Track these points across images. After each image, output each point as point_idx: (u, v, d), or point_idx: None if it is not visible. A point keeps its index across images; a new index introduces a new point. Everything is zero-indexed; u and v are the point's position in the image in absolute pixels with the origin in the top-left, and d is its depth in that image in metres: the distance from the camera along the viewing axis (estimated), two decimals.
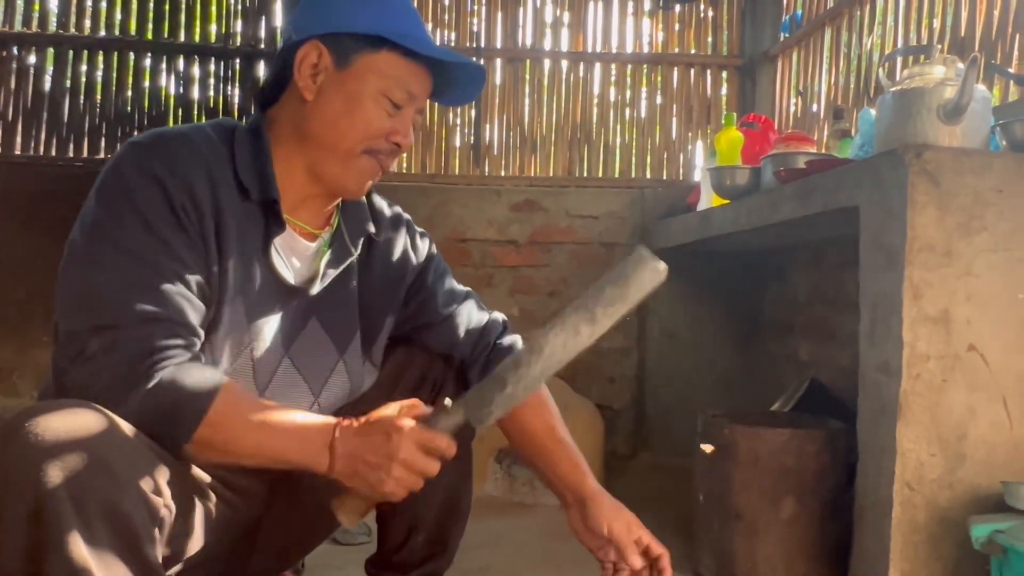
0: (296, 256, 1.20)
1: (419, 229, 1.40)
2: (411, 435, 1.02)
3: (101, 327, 0.98)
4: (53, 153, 3.54)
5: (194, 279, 1.05)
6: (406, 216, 1.39)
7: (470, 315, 1.38)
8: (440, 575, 1.40)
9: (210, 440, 0.98)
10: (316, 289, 1.20)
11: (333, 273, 1.22)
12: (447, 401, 1.08)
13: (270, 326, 1.16)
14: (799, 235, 2.44)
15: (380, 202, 1.34)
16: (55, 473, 0.83)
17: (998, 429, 1.58)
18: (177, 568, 1.06)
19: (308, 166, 1.16)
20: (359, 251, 1.26)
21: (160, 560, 0.91)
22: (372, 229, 1.28)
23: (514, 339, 1.41)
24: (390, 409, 1.06)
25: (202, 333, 1.06)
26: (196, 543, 1.07)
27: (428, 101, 1.24)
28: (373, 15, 1.13)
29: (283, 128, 1.17)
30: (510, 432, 1.36)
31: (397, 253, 1.33)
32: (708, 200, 2.74)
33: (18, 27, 3.55)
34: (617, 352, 3.42)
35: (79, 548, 0.82)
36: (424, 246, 1.38)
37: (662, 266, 1.07)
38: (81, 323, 0.99)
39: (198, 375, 1.00)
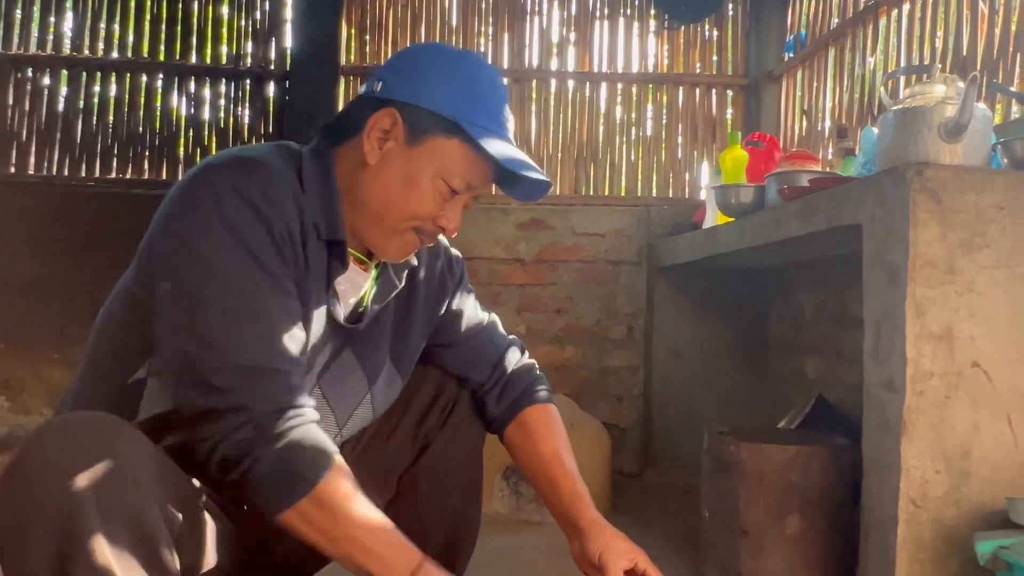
0: (353, 289, 1.20)
1: (454, 252, 1.39)
2: None
3: (221, 377, 0.96)
4: (66, 173, 3.58)
5: (298, 310, 1.05)
6: (444, 241, 1.37)
7: (491, 340, 1.39)
8: None
9: (310, 515, 0.97)
10: (364, 324, 1.20)
11: (378, 308, 1.22)
12: None
13: (313, 354, 1.16)
14: (804, 253, 2.45)
15: None
16: (82, 481, 0.84)
17: (1002, 446, 1.58)
18: None
19: (355, 221, 1.16)
20: (403, 282, 1.25)
21: (179, 571, 0.92)
22: (415, 262, 1.27)
23: (530, 365, 1.42)
24: None
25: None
26: (209, 558, 1.07)
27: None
28: (456, 96, 1.11)
29: (342, 175, 1.15)
30: (519, 454, 1.37)
31: (436, 280, 1.34)
32: (713, 218, 2.76)
33: (33, 49, 3.61)
34: (624, 371, 3.43)
35: (104, 555, 0.83)
36: (458, 269, 1.38)
37: None
38: (195, 375, 0.97)
39: (319, 444, 0.99)
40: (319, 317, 1.13)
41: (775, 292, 3.19)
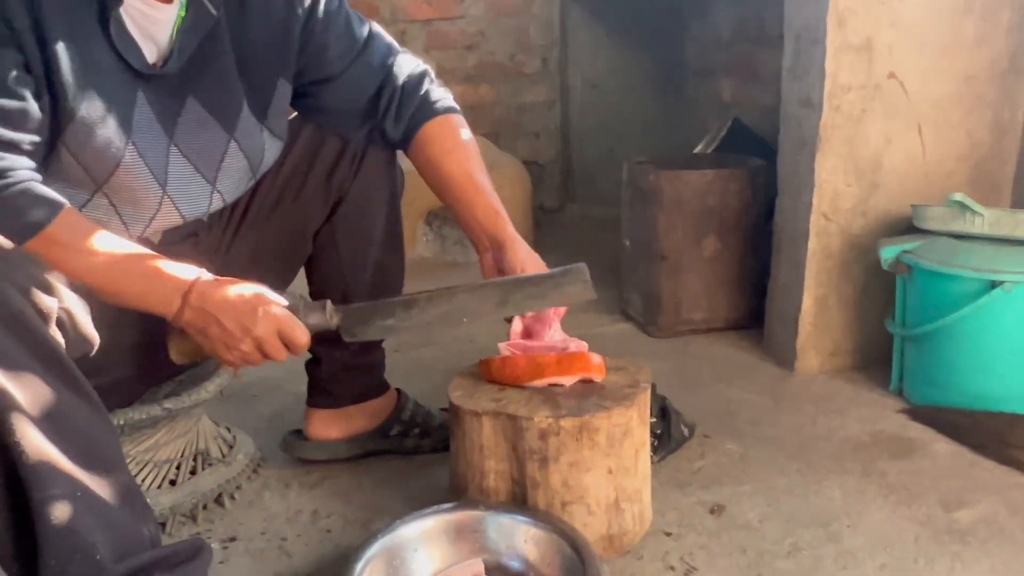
0: (155, 27, 1.04)
1: None
2: (276, 319, 1.01)
3: None
4: None
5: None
6: None
7: (373, 59, 1.23)
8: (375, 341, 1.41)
9: (43, 254, 0.91)
10: (174, 66, 1.06)
11: (194, 42, 1.07)
12: (328, 303, 1.07)
13: (142, 115, 1.04)
14: None
15: None
16: None
17: (911, 157, 1.63)
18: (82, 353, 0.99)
19: None
20: (220, 10, 1.09)
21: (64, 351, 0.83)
22: None
23: (422, 73, 1.26)
24: (259, 288, 1.03)
25: (28, 140, 0.96)
26: (100, 342, 0.99)
27: None
28: None
29: None
30: (427, 177, 1.27)
31: (279, 6, 1.15)
32: None
33: None
34: (541, 106, 3.35)
35: None
36: None
37: (592, 294, 1.12)
38: None
39: (41, 193, 0.94)
40: (101, 60, 1.00)
41: (692, 14, 3.08)
